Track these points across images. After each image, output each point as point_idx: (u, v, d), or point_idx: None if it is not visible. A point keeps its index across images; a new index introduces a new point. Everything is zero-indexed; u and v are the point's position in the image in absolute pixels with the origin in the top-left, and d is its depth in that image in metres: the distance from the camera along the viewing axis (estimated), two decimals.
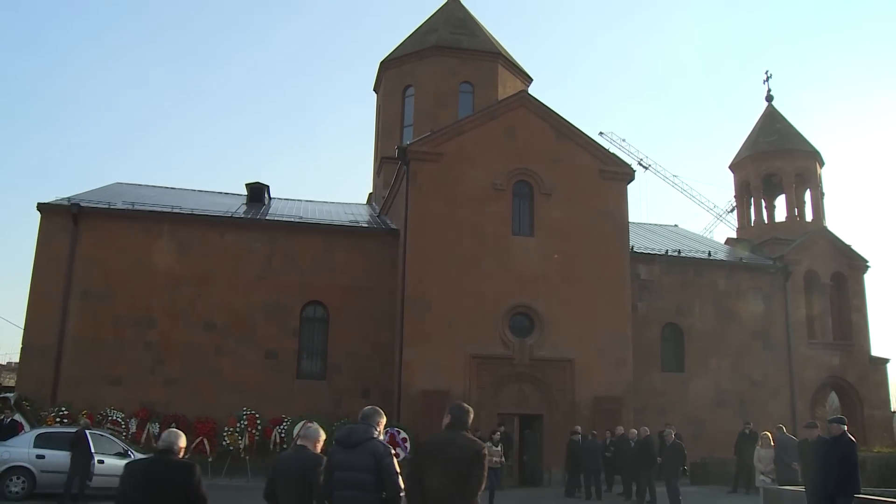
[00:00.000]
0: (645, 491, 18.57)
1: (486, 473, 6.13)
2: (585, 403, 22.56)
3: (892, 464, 17.99)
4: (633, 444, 19.55)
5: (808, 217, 32.03)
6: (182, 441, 6.09)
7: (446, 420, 6.38)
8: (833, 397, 28.59)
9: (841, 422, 12.21)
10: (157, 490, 5.60)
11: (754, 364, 27.19)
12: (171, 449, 5.96)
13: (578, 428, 20.60)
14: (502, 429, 20.04)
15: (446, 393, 21.50)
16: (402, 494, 5.97)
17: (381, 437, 6.25)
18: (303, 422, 6.85)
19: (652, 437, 19.41)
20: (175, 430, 6.34)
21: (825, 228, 30.72)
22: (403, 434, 20.79)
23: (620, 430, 20.61)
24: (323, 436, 6.81)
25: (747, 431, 20.64)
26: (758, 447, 16.56)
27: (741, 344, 27.17)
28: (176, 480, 5.75)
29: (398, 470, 6.02)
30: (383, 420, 6.40)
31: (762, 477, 16.15)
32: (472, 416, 6.44)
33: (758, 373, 27.15)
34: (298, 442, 6.78)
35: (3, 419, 18.78)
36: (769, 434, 16.71)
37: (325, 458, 6.36)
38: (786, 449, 16.42)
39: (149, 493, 5.61)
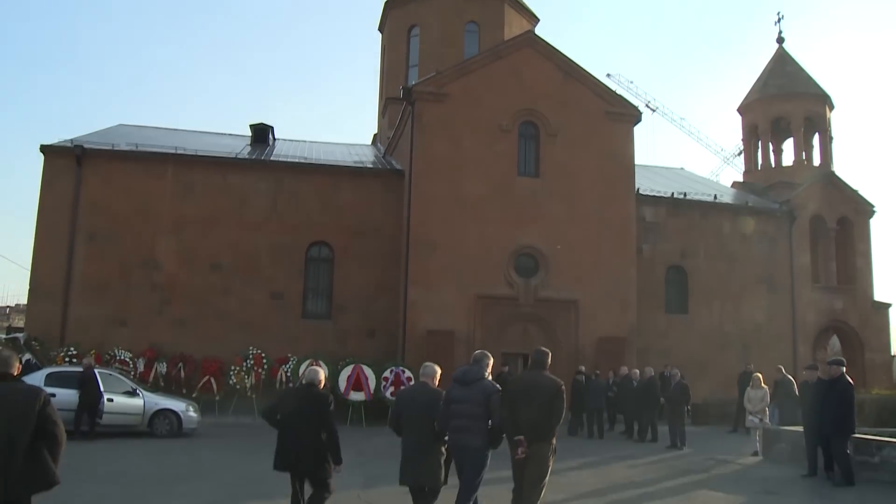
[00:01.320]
0: (647, 430, 18.86)
1: (564, 405, 7.52)
2: (589, 344, 22.75)
3: (889, 405, 18.21)
4: (635, 384, 19.79)
5: (816, 161, 31.79)
6: (322, 376, 7.70)
7: (529, 363, 7.88)
8: (835, 341, 28.75)
9: (840, 363, 12.37)
10: (302, 410, 7.37)
11: (758, 307, 27.30)
12: (313, 382, 7.60)
13: (582, 368, 20.83)
14: (507, 368, 20.21)
15: (451, 333, 21.75)
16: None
17: (489, 377, 7.61)
18: (429, 364, 8.13)
19: (655, 378, 19.63)
20: (316, 367, 7.94)
21: (832, 173, 30.53)
22: (408, 374, 21.02)
23: (624, 370, 20.82)
24: (439, 372, 7.95)
25: (748, 372, 20.79)
26: (748, 388, 16.73)
27: (745, 287, 27.25)
28: (315, 404, 7.42)
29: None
30: (491, 361, 7.77)
31: (751, 417, 16.34)
32: (550, 357, 7.84)
33: (761, 316, 27.27)
34: (421, 379, 7.96)
35: (30, 360, 19.04)
36: (760, 375, 16.87)
37: (444, 392, 7.61)
38: (785, 390, 16.61)
39: (296, 411, 7.40)
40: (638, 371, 20.32)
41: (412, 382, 20.74)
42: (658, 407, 19.03)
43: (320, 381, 7.65)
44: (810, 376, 12.92)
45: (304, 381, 7.80)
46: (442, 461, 7.57)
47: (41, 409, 5.35)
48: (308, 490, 7.61)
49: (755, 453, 15.69)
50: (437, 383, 7.89)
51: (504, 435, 7.49)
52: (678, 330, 26.10)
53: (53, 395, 16.49)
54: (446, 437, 7.52)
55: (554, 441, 7.47)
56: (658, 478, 12.84)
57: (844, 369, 12.26)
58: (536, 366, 7.77)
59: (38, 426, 5.33)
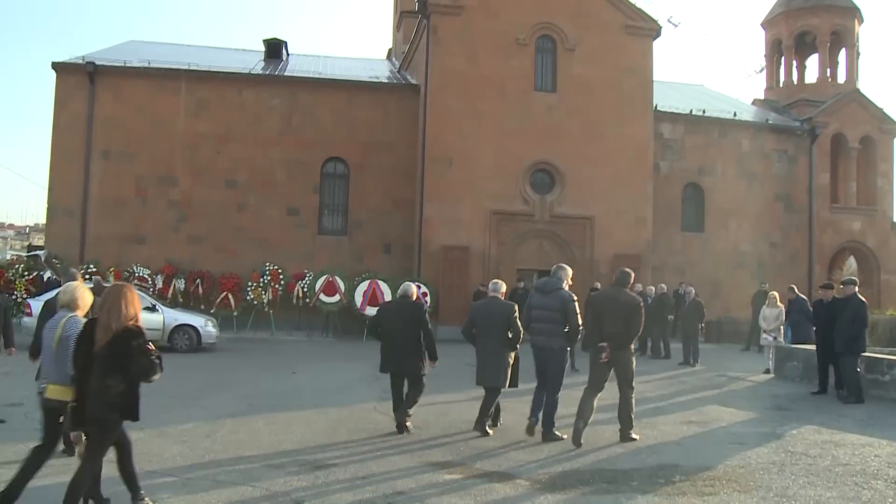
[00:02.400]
0: (660, 346, 19.01)
1: (643, 320, 8.48)
2: (604, 260, 22.79)
3: None
4: (650, 300, 19.82)
5: (841, 78, 30.92)
6: (413, 291, 9.31)
7: (612, 280, 8.99)
8: (851, 261, 28.61)
9: (853, 283, 12.37)
10: (401, 317, 8.85)
11: (774, 226, 27.11)
12: (407, 294, 9.15)
13: (598, 284, 20.76)
14: (521, 284, 20.26)
15: (466, 248, 21.88)
16: (578, 329, 8.54)
17: (567, 287, 8.60)
18: (496, 281, 9.46)
19: (668, 295, 19.66)
20: (408, 282, 9.51)
21: (857, 90, 29.69)
22: (424, 289, 21.17)
23: (638, 287, 20.70)
24: (504, 288, 9.25)
25: (763, 291, 20.77)
26: (764, 306, 16.72)
27: (762, 206, 26.98)
28: (412, 311, 8.94)
29: (578, 312, 8.44)
30: (570, 273, 8.81)
31: (765, 335, 16.38)
32: (632, 276, 8.85)
33: (778, 235, 27.11)
34: (490, 294, 9.06)
35: (51, 277, 19.25)
36: (776, 294, 16.83)
37: (515, 305, 8.88)
38: (797, 308, 16.59)
39: (396, 318, 8.87)
40: (653, 288, 20.35)
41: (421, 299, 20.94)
42: (671, 324, 19.11)
43: (411, 294, 9.15)
44: (825, 295, 12.91)
45: (399, 295, 9.26)
46: (509, 366, 8.73)
47: None
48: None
49: (767, 371, 15.81)
50: (504, 297, 9.04)
51: (581, 339, 8.91)
52: (694, 248, 26.05)
53: None
54: (518, 345, 8.66)
55: (632, 346, 8.55)
56: (670, 394, 12.99)
57: (857, 288, 12.26)
58: (619, 283, 8.72)
59: None
